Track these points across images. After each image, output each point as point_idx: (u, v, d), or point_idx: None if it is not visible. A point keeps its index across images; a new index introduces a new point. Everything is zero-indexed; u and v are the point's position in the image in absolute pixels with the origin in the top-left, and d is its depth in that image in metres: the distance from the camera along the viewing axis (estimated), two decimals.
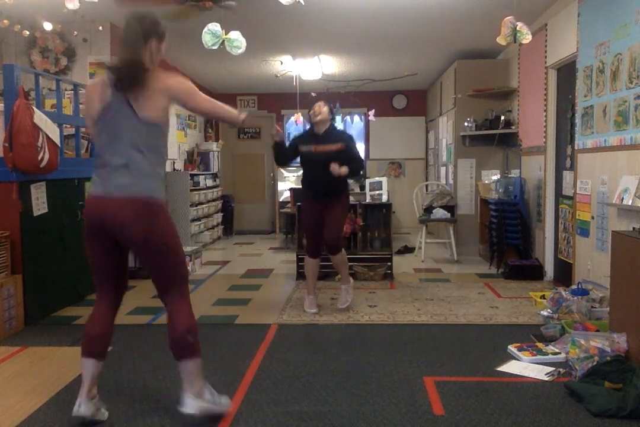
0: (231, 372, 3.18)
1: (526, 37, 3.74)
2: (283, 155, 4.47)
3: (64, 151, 4.77)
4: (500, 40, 3.76)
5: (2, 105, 4.19)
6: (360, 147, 10.44)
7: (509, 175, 6.62)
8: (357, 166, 4.43)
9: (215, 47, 4.02)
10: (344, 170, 4.24)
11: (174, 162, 7.95)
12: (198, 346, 2.59)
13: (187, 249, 6.17)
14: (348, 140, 4.47)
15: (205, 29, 3.97)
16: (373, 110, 8.72)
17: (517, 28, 3.72)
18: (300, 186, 4.70)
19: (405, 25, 5.99)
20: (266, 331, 3.98)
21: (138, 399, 2.85)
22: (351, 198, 6.41)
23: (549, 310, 4.01)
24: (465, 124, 7.05)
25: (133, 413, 2.68)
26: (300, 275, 5.84)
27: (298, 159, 4.55)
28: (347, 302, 4.52)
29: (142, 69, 2.48)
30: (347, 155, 4.36)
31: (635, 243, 3.09)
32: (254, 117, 3.38)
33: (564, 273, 5.26)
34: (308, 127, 4.65)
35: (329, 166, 4.21)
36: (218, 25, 3.98)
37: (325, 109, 4.37)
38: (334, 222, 4.39)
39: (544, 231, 5.70)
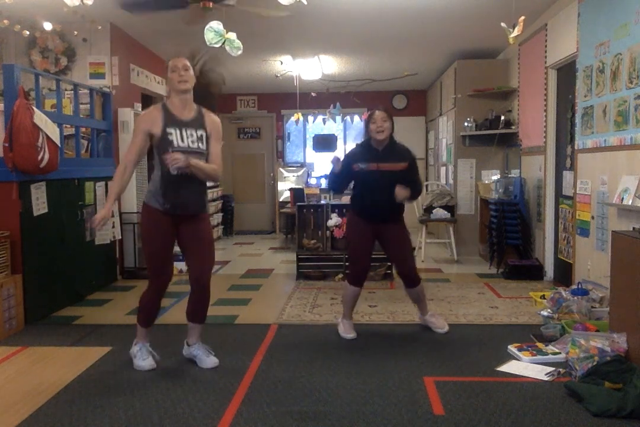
0: (231, 372, 3.18)
1: (514, 34, 3.72)
2: (341, 183, 3.95)
3: (64, 151, 4.77)
4: (511, 39, 3.71)
5: (2, 105, 4.19)
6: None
7: (509, 175, 6.62)
8: (418, 190, 3.91)
9: (217, 46, 4.02)
10: (409, 193, 3.74)
11: None
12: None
13: None
14: (412, 159, 3.90)
15: (208, 27, 3.97)
16: None
17: (506, 26, 3.70)
18: (350, 205, 4.07)
19: (405, 25, 5.99)
20: (266, 331, 3.98)
21: (138, 398, 2.84)
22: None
23: (549, 310, 4.01)
24: (465, 124, 7.05)
25: (133, 413, 2.68)
26: (300, 275, 5.85)
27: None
28: (445, 327, 3.96)
29: None
30: (410, 176, 3.84)
31: (635, 243, 3.09)
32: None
33: (564, 273, 5.26)
34: (362, 140, 4.01)
35: (390, 187, 3.69)
36: (220, 23, 3.98)
37: (387, 125, 3.76)
38: (405, 250, 3.90)
39: (544, 231, 5.70)
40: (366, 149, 3.87)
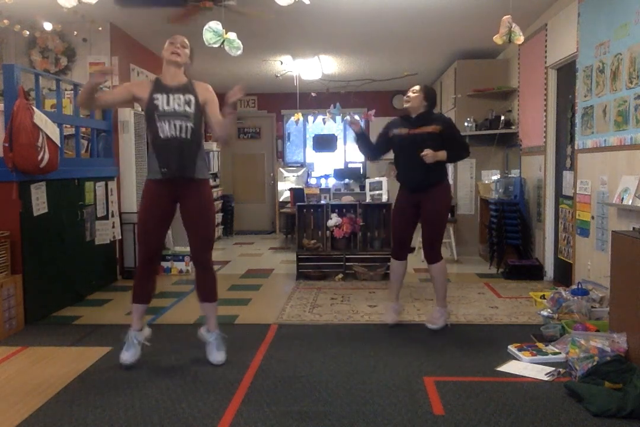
0: (231, 372, 3.18)
1: (519, 38, 3.74)
2: (369, 147, 4.06)
3: (64, 151, 4.77)
4: (497, 40, 3.75)
5: (2, 105, 4.19)
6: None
7: (509, 175, 6.62)
8: (458, 152, 3.97)
9: (216, 46, 4.02)
10: (441, 155, 3.79)
11: None
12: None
13: (187, 248, 6.15)
14: (446, 122, 3.97)
15: (206, 27, 3.97)
16: (373, 110, 8.72)
17: (512, 28, 3.72)
18: (393, 177, 4.22)
19: (405, 25, 5.99)
20: (266, 331, 3.98)
21: (138, 398, 2.84)
22: (351, 198, 6.50)
23: (549, 310, 4.01)
24: (465, 124, 7.04)
25: (133, 413, 2.68)
26: (301, 275, 5.85)
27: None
28: (437, 324, 3.98)
29: None
30: (447, 139, 3.88)
31: (635, 243, 3.08)
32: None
33: (564, 273, 5.26)
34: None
35: (422, 152, 3.77)
36: (219, 23, 3.98)
37: (414, 95, 3.89)
38: (431, 224, 3.94)
39: (544, 231, 5.70)
40: (402, 118, 4.03)
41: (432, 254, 4.00)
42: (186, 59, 3.33)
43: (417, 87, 3.95)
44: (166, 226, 3.38)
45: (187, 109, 3.23)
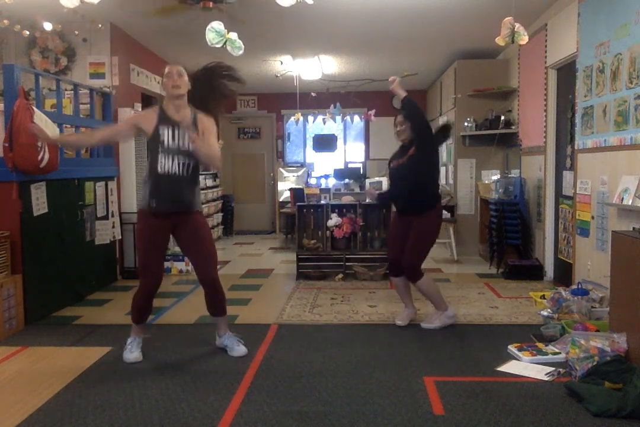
0: (231, 372, 3.18)
1: (523, 38, 3.74)
2: (389, 193, 4.32)
3: (64, 151, 4.77)
4: (499, 41, 3.76)
5: (2, 105, 4.19)
6: (360, 147, 10.46)
7: (509, 175, 6.62)
8: (413, 112, 4.01)
9: (219, 46, 4.02)
10: (401, 93, 4.00)
11: None
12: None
13: None
14: (416, 137, 4.02)
15: (209, 27, 3.97)
16: (373, 110, 8.72)
17: (515, 29, 3.72)
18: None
19: (405, 25, 5.99)
20: (266, 331, 3.98)
21: (138, 398, 2.84)
22: (351, 198, 6.50)
23: (549, 310, 4.01)
24: (465, 124, 7.05)
25: (133, 413, 2.68)
26: (301, 275, 5.85)
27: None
28: (432, 324, 4.04)
29: None
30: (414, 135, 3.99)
31: (635, 243, 3.09)
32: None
33: (564, 273, 5.26)
34: None
35: (406, 179, 3.97)
36: (221, 24, 3.98)
37: (404, 128, 4.03)
38: (412, 246, 3.98)
39: (544, 231, 5.70)
40: (400, 148, 4.19)
41: (412, 274, 4.03)
42: (186, 88, 3.31)
43: (400, 118, 4.05)
44: (164, 255, 3.56)
45: (192, 146, 3.23)
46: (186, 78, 3.30)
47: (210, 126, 3.36)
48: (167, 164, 3.21)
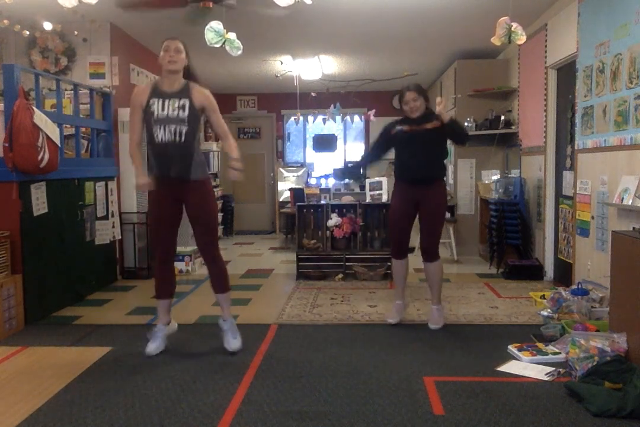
0: (231, 373, 3.18)
1: (521, 38, 3.73)
2: (364, 159, 4.36)
3: (64, 151, 4.77)
4: (495, 41, 3.75)
5: (2, 105, 4.19)
6: (360, 147, 10.46)
7: (509, 175, 6.62)
8: (460, 126, 4.10)
9: (218, 46, 4.03)
10: (446, 117, 3.89)
11: None
12: None
13: (187, 248, 6.17)
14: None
15: (208, 27, 3.97)
16: (373, 111, 8.73)
17: (512, 29, 3.71)
18: (394, 173, 4.18)
19: (405, 25, 5.99)
20: (266, 331, 3.98)
21: (138, 398, 2.84)
22: (351, 198, 6.50)
23: (549, 310, 4.01)
24: (465, 124, 7.03)
25: (133, 413, 2.68)
26: (301, 275, 5.85)
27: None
28: (439, 324, 4.03)
29: None
30: (448, 132, 3.98)
31: (635, 243, 3.08)
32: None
33: (564, 273, 5.26)
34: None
35: (424, 146, 3.91)
36: (220, 23, 3.99)
37: (419, 104, 3.96)
38: (430, 221, 3.99)
39: (544, 231, 5.70)
40: (403, 119, 4.07)
41: (431, 252, 4.05)
42: (182, 65, 3.39)
43: (414, 94, 3.96)
44: (176, 226, 3.55)
45: (181, 113, 3.33)
46: (183, 55, 3.37)
47: (210, 100, 3.42)
48: (160, 134, 3.32)
